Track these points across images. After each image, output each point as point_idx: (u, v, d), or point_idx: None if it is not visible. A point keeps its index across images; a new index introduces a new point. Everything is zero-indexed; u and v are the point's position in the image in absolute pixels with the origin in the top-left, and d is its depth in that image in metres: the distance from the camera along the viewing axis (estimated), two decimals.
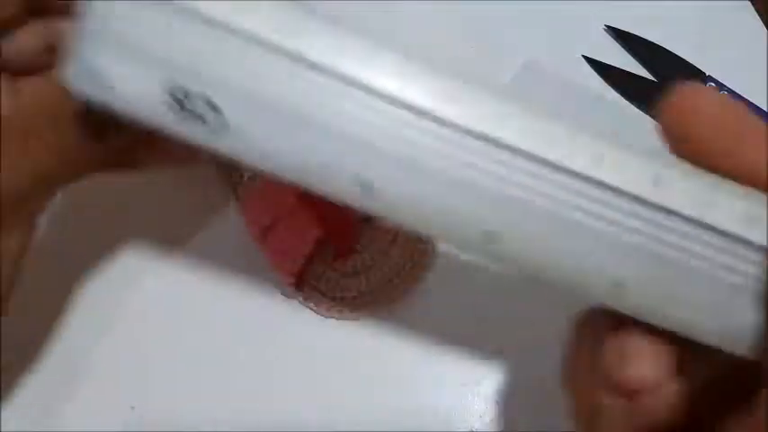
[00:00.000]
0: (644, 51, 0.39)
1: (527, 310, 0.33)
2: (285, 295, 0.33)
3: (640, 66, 0.39)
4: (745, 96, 0.37)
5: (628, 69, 0.39)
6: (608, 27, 0.40)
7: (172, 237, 0.34)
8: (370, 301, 0.33)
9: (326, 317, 0.33)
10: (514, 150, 0.17)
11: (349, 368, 0.32)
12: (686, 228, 0.17)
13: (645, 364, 0.18)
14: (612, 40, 0.40)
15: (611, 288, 0.18)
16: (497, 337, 0.33)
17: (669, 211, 0.17)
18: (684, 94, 0.17)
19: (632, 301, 0.18)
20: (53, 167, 0.22)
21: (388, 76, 0.18)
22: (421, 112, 0.18)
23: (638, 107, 0.38)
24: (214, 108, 0.17)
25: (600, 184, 0.17)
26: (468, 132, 0.17)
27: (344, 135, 0.17)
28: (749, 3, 0.41)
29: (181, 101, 0.17)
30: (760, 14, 0.40)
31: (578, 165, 0.17)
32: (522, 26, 0.40)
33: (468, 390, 0.32)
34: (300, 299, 0.33)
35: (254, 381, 0.32)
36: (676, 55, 0.39)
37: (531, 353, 0.33)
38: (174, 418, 0.31)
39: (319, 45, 0.18)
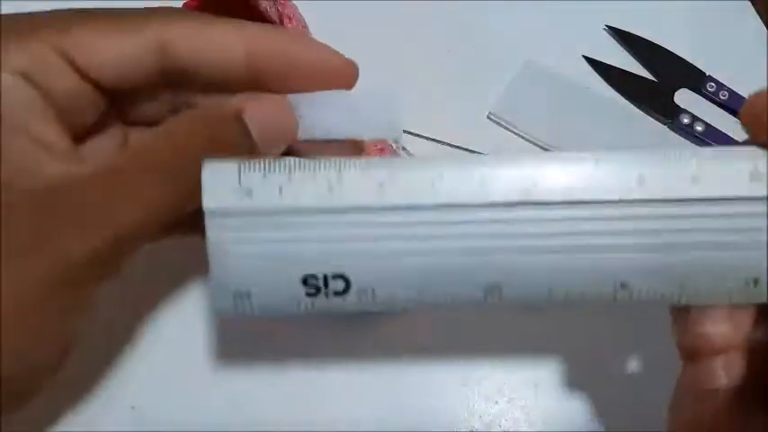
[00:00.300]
0: (644, 51, 0.39)
1: (528, 309, 0.33)
2: None
3: (640, 66, 0.39)
4: (745, 96, 0.37)
5: (628, 69, 0.39)
6: (608, 27, 0.40)
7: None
8: None
9: (327, 317, 0.33)
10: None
11: (349, 368, 0.32)
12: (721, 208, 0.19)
13: (720, 323, 0.20)
14: (612, 40, 0.40)
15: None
16: (498, 337, 0.33)
17: (705, 200, 0.19)
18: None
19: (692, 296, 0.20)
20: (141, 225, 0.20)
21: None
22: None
23: (638, 107, 0.38)
24: (345, 280, 0.20)
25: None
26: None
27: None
28: (749, 3, 0.41)
29: (317, 286, 0.20)
30: (760, 14, 0.40)
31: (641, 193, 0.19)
32: (522, 26, 0.40)
33: (469, 390, 0.32)
34: None
35: (254, 381, 0.32)
36: (676, 55, 0.39)
37: (531, 352, 0.33)
38: (174, 418, 0.31)
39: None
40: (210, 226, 0.20)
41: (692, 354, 0.21)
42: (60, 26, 0.21)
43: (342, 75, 0.23)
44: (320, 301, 0.20)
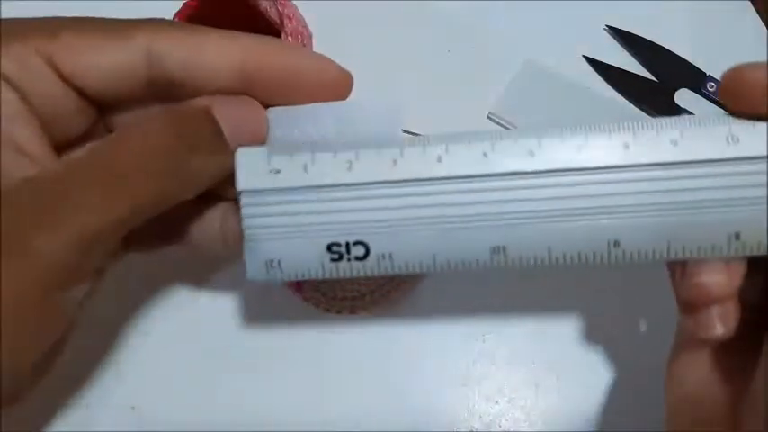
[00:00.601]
0: (644, 51, 0.39)
1: (528, 309, 0.33)
2: (285, 295, 0.33)
3: (640, 66, 0.39)
4: None
5: (628, 69, 0.39)
6: (608, 27, 0.40)
7: None
8: (370, 301, 0.33)
9: (326, 316, 0.33)
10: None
11: (349, 368, 0.32)
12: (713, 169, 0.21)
13: (716, 273, 0.21)
14: (612, 40, 0.40)
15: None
16: (498, 337, 0.33)
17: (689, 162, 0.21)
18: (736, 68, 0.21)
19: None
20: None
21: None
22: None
23: (638, 107, 0.38)
24: (365, 247, 0.22)
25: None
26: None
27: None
28: (749, 3, 0.41)
29: (340, 253, 0.22)
30: (760, 14, 0.40)
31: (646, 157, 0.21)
32: (522, 26, 0.40)
33: (469, 390, 0.32)
34: (301, 299, 0.33)
35: (254, 381, 0.32)
36: (676, 55, 0.39)
37: (531, 352, 0.33)
38: (174, 418, 0.31)
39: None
40: (245, 204, 0.22)
41: (691, 304, 0.22)
42: (48, 31, 0.21)
43: (337, 85, 0.23)
44: (343, 265, 0.22)
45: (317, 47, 0.32)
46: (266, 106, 0.23)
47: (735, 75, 0.21)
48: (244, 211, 0.22)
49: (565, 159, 0.21)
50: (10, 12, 0.39)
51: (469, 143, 0.22)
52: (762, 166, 0.21)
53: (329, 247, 0.22)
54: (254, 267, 0.23)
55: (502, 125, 0.37)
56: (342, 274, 0.23)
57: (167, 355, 0.32)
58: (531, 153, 0.21)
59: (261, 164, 0.22)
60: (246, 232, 0.22)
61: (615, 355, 0.32)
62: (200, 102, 0.22)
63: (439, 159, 0.22)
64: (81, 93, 0.21)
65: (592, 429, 0.31)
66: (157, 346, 0.33)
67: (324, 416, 0.31)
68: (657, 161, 0.21)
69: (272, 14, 0.31)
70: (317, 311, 0.33)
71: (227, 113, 0.22)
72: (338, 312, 0.33)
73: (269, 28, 0.32)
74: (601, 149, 0.21)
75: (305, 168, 0.22)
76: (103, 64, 0.21)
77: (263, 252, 0.22)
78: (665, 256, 0.22)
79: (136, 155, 0.20)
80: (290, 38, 0.30)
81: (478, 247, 0.22)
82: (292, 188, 0.22)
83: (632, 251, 0.22)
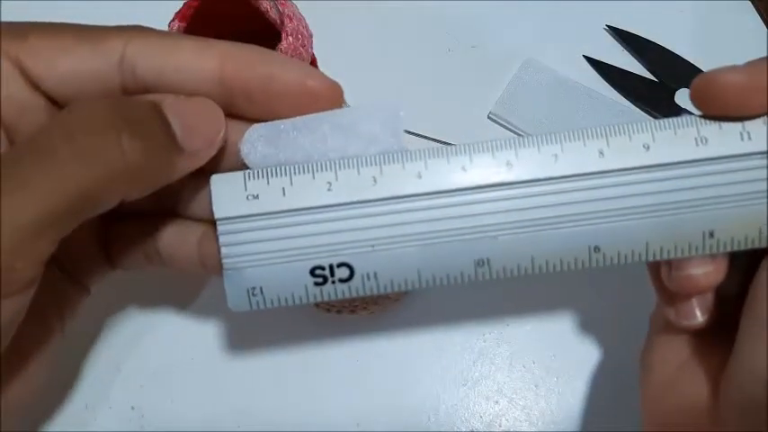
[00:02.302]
0: (644, 51, 0.39)
1: (527, 309, 0.33)
2: None
3: (640, 66, 0.39)
4: None
5: (628, 69, 0.39)
6: (608, 27, 0.40)
7: None
8: (370, 301, 0.33)
9: (326, 316, 0.33)
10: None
11: (349, 368, 0.32)
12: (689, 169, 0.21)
13: (703, 265, 0.22)
14: (612, 40, 0.40)
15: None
16: (498, 337, 0.33)
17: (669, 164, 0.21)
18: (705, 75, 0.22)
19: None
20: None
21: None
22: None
23: (638, 107, 0.38)
24: (350, 268, 0.22)
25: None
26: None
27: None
28: (749, 3, 0.41)
29: (324, 276, 0.22)
30: (760, 14, 0.40)
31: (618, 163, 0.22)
32: (522, 26, 0.40)
33: (469, 390, 0.32)
34: None
35: (254, 381, 0.32)
36: (676, 55, 0.39)
37: (531, 352, 0.33)
38: (174, 418, 0.31)
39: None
40: (222, 232, 0.22)
41: (674, 296, 0.24)
42: (17, 34, 0.20)
43: (324, 96, 0.22)
44: (327, 288, 0.22)
45: (317, 47, 0.32)
46: (252, 122, 0.22)
47: (706, 78, 0.21)
48: (221, 239, 0.22)
49: (542, 169, 0.21)
50: (10, 11, 0.39)
51: (448, 158, 0.22)
52: (730, 165, 0.21)
53: (312, 271, 0.22)
54: (235, 297, 0.22)
55: (502, 125, 0.37)
56: (326, 298, 0.22)
57: (167, 355, 0.32)
58: (509, 164, 0.22)
59: (237, 190, 0.22)
60: (225, 261, 0.22)
61: (615, 355, 0.32)
62: (151, 97, 0.21)
63: (419, 175, 0.22)
64: (50, 98, 0.21)
65: (591, 429, 0.31)
66: (157, 346, 0.33)
67: (324, 416, 0.31)
68: (631, 166, 0.21)
69: (273, 14, 0.31)
70: (317, 311, 0.33)
71: (178, 110, 0.20)
72: (338, 312, 0.33)
73: (269, 28, 0.32)
74: (576, 157, 0.22)
75: (283, 192, 0.21)
76: (74, 68, 0.20)
77: (244, 280, 0.22)
78: (645, 257, 0.22)
79: (67, 136, 0.18)
80: (290, 38, 0.30)
81: (462, 260, 0.22)
82: (271, 213, 0.21)
83: (612, 255, 0.22)
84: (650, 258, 0.22)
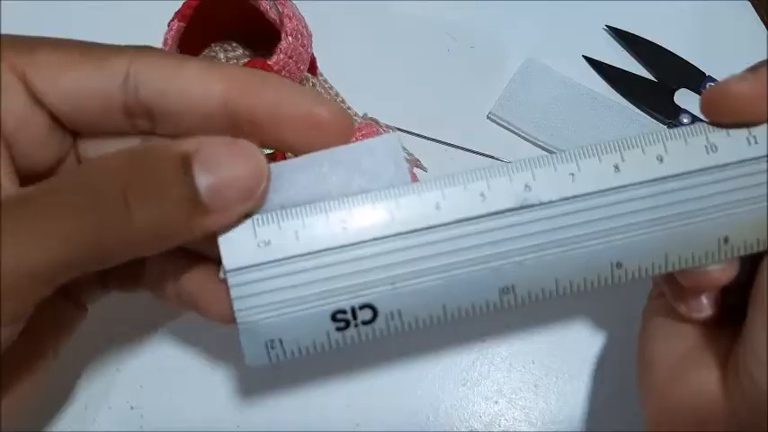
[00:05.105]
0: (644, 51, 0.39)
1: (527, 309, 0.33)
2: None
3: (640, 66, 0.39)
4: None
5: (628, 69, 0.39)
6: (608, 27, 0.40)
7: None
8: None
9: None
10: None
11: (349, 368, 0.32)
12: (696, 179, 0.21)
13: (721, 267, 0.23)
14: (612, 40, 0.40)
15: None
16: (498, 337, 0.33)
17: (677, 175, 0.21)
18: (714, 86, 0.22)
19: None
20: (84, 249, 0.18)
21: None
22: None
23: (638, 107, 0.38)
24: (372, 309, 0.21)
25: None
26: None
27: None
28: (749, 3, 0.41)
29: (346, 320, 0.21)
30: (760, 14, 0.40)
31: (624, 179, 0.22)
32: (522, 26, 0.40)
33: (468, 390, 0.32)
34: None
35: (254, 381, 0.32)
36: (676, 55, 0.39)
37: (530, 352, 0.33)
38: (173, 418, 0.31)
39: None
40: (234, 284, 0.20)
41: (687, 290, 0.24)
42: (24, 48, 0.20)
43: (333, 126, 0.21)
44: (350, 332, 0.21)
45: (317, 47, 0.32)
46: None
47: (718, 90, 0.22)
48: (233, 292, 0.20)
49: (561, 189, 0.21)
50: (10, 11, 0.39)
51: (465, 185, 0.21)
52: (740, 170, 0.21)
53: (334, 316, 0.21)
54: (252, 352, 0.21)
55: (502, 125, 0.37)
56: (350, 343, 0.21)
57: (167, 355, 0.32)
58: (528, 187, 0.21)
59: (247, 237, 0.20)
60: (239, 315, 0.20)
61: (615, 355, 0.32)
62: (187, 144, 0.19)
63: (437, 206, 0.21)
64: (52, 115, 0.20)
65: (591, 430, 0.31)
66: (157, 346, 0.33)
67: (323, 416, 0.31)
68: (647, 179, 0.21)
69: (272, 14, 0.31)
70: None
71: (212, 162, 0.19)
72: None
73: (269, 28, 0.32)
74: (593, 174, 0.21)
75: (296, 235, 0.20)
76: (77, 85, 0.20)
77: (261, 334, 0.21)
78: (664, 269, 0.22)
79: (68, 198, 0.18)
80: (289, 38, 0.30)
81: (488, 289, 0.21)
82: (285, 258, 0.20)
83: (634, 269, 0.22)
84: (669, 269, 0.22)
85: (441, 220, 0.21)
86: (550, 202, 0.21)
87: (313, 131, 0.21)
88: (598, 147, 0.22)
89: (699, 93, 0.38)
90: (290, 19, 0.30)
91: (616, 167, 0.21)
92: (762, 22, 0.40)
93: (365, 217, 0.20)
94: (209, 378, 0.32)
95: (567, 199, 0.21)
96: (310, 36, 0.32)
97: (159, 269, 0.23)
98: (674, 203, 0.21)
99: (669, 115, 0.37)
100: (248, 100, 0.20)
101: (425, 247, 0.21)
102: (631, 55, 0.40)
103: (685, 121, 0.37)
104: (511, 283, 0.21)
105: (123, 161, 0.19)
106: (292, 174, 0.21)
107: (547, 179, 0.21)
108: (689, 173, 0.21)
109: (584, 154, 0.21)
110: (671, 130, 0.22)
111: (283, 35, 0.30)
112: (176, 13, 0.32)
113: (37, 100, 0.20)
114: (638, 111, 0.38)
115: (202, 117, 0.20)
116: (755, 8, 0.40)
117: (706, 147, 0.21)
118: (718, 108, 0.22)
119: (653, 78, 0.39)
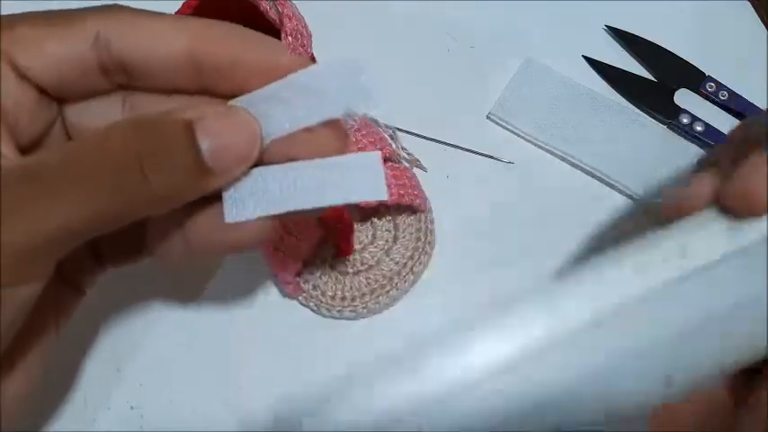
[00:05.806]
0: (644, 51, 0.39)
1: None
2: (285, 295, 0.34)
3: (640, 66, 0.39)
4: (745, 96, 0.37)
5: (628, 69, 0.39)
6: (608, 27, 0.40)
7: None
8: (369, 301, 0.33)
9: (326, 317, 0.33)
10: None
11: (349, 368, 0.32)
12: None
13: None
14: (612, 40, 0.40)
15: None
16: None
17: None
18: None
19: None
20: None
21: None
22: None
23: (638, 107, 0.38)
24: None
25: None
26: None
27: None
28: (749, 3, 0.41)
29: None
30: (759, 15, 0.40)
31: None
32: (522, 26, 0.40)
33: None
34: (300, 299, 0.33)
35: (254, 380, 0.32)
36: (676, 55, 0.39)
37: None
38: (173, 418, 0.31)
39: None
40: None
41: None
42: (5, 26, 0.21)
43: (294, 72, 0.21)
44: None
45: (317, 47, 0.32)
46: (224, 99, 0.22)
47: (743, 189, 0.20)
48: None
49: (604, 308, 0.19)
50: (10, 11, 0.39)
51: (484, 335, 0.21)
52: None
53: None
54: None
55: (502, 125, 0.37)
56: None
57: (166, 354, 0.32)
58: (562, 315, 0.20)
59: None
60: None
61: None
62: (189, 113, 0.20)
63: (469, 366, 0.20)
64: (38, 87, 0.21)
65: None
66: (157, 345, 0.33)
67: None
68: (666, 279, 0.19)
69: (272, 14, 0.31)
70: (317, 311, 0.33)
71: (213, 130, 0.20)
72: (339, 312, 0.33)
73: (269, 28, 0.32)
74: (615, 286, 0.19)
75: None
76: (51, 51, 0.21)
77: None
78: (721, 371, 0.20)
79: (87, 167, 0.19)
80: (289, 38, 0.30)
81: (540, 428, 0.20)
82: None
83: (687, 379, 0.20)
84: (726, 370, 0.20)
85: (475, 375, 0.20)
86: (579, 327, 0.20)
87: (273, 78, 0.21)
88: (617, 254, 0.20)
89: (699, 93, 0.38)
90: (289, 19, 0.30)
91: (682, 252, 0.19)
92: (762, 22, 0.40)
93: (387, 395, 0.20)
94: (209, 378, 0.32)
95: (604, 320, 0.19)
96: (310, 36, 0.32)
97: (161, 231, 0.24)
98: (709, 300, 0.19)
99: (669, 115, 0.37)
100: (211, 49, 0.21)
101: (463, 407, 0.20)
102: (631, 55, 0.40)
103: (685, 121, 0.37)
104: (557, 424, 0.20)
105: (131, 131, 0.20)
106: (257, 103, 0.21)
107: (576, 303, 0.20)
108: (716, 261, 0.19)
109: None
110: (689, 220, 0.20)
111: (283, 35, 0.30)
112: (176, 12, 0.32)
113: (23, 76, 0.21)
114: (637, 111, 0.38)
115: (171, 68, 0.21)
116: (755, 8, 0.40)
117: (678, 252, 0.19)
118: (746, 205, 0.20)
119: (653, 78, 0.39)
